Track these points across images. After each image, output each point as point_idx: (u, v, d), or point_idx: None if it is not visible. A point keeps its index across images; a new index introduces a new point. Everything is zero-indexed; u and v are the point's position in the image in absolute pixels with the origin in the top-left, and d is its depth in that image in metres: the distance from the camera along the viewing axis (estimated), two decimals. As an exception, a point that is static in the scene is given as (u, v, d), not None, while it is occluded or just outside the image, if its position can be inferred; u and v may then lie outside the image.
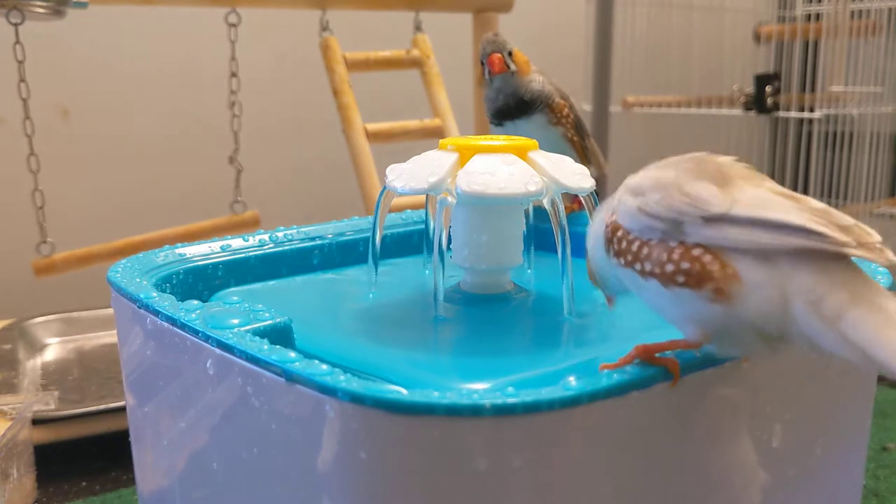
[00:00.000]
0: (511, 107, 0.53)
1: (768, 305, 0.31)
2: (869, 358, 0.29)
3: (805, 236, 0.30)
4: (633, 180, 0.35)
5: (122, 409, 0.64)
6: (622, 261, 0.35)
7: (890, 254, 0.30)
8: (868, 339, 0.29)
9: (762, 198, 0.31)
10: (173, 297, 0.41)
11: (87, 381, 0.76)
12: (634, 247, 0.34)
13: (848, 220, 0.31)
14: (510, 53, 0.56)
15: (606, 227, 0.36)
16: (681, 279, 0.32)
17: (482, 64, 0.56)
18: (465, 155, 0.46)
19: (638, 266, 0.34)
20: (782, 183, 1.21)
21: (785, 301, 0.30)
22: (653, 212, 0.33)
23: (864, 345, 0.29)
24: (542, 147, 0.48)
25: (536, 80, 0.57)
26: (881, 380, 0.71)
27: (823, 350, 0.30)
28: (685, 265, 0.32)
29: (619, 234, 0.35)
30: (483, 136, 0.49)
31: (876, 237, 0.30)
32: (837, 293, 0.30)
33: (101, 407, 0.67)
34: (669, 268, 0.32)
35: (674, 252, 0.32)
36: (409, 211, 0.62)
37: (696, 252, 0.32)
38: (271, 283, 0.53)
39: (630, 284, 0.35)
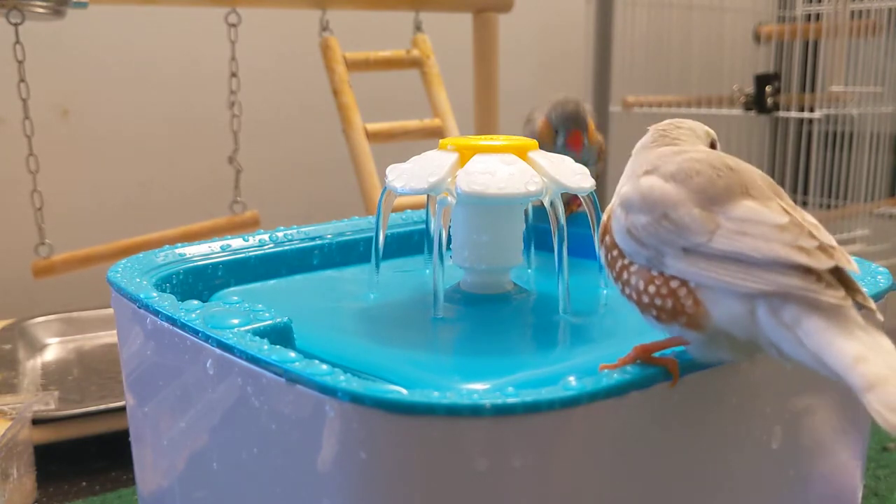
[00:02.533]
0: None
1: (738, 325, 0.31)
2: (822, 364, 0.29)
3: (780, 274, 0.29)
4: (628, 190, 0.34)
5: (122, 409, 0.64)
6: (611, 273, 0.35)
7: (872, 303, 0.30)
8: (821, 345, 0.29)
9: (748, 218, 0.31)
10: (173, 297, 0.41)
11: (87, 381, 0.76)
12: (618, 266, 0.34)
13: (831, 239, 0.31)
14: (585, 129, 0.55)
15: (602, 223, 0.36)
16: (654, 313, 0.33)
17: (555, 131, 0.55)
18: (465, 155, 0.46)
19: (619, 285, 0.34)
20: (782, 183, 1.21)
21: (752, 314, 0.30)
22: (639, 238, 0.33)
23: (817, 351, 0.29)
24: None
25: (598, 143, 0.56)
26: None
27: (788, 357, 0.30)
28: (658, 301, 0.32)
29: (607, 240, 0.35)
30: (483, 136, 0.49)
31: (853, 266, 0.30)
32: (798, 301, 0.29)
33: (101, 407, 0.67)
34: (645, 299, 0.33)
35: (653, 282, 0.32)
36: (409, 211, 0.62)
37: (674, 284, 0.32)
38: (271, 283, 0.53)
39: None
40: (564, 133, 0.55)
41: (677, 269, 0.32)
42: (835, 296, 0.29)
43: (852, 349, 0.28)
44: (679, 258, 0.32)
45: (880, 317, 0.30)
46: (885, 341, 0.29)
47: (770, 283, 0.29)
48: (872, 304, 0.30)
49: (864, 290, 0.30)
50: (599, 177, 0.59)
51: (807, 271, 0.29)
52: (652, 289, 0.32)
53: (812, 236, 0.30)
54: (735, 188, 0.32)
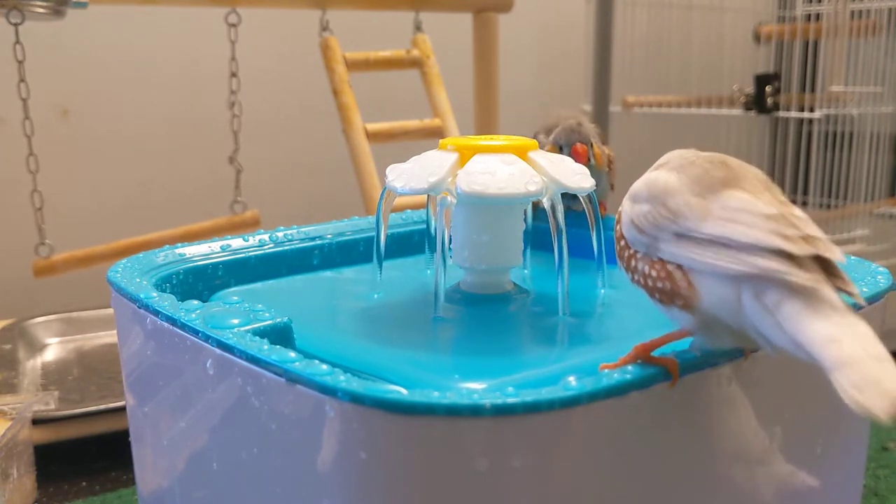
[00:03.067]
0: None
1: (726, 309, 0.32)
2: (799, 346, 0.29)
3: (761, 257, 0.30)
4: (637, 184, 0.36)
5: (122, 409, 0.64)
6: (622, 263, 0.37)
7: (854, 287, 0.31)
8: (797, 327, 0.29)
9: (738, 207, 0.32)
10: (173, 297, 0.41)
11: (87, 381, 0.76)
12: (626, 255, 0.36)
13: (816, 231, 0.32)
14: (591, 146, 0.57)
15: (616, 216, 0.38)
16: (657, 296, 0.34)
17: (559, 148, 0.56)
18: (465, 155, 0.46)
19: (630, 275, 0.36)
20: (782, 184, 1.21)
21: (738, 299, 0.31)
22: (639, 225, 0.35)
23: (794, 333, 0.29)
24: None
25: (606, 168, 0.58)
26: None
27: (772, 343, 0.31)
28: (660, 284, 0.34)
29: (617, 231, 0.37)
30: (483, 136, 0.49)
31: (837, 255, 0.31)
32: (779, 285, 0.30)
33: (101, 407, 0.67)
34: (650, 283, 0.34)
35: (654, 266, 0.34)
36: (409, 211, 0.62)
37: (671, 267, 0.33)
38: (271, 283, 0.53)
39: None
40: (569, 148, 0.56)
41: (670, 253, 0.33)
42: (808, 278, 0.30)
43: (826, 330, 0.29)
44: (672, 243, 0.33)
45: (862, 301, 0.31)
46: (861, 325, 0.29)
47: (751, 265, 0.31)
48: (855, 289, 0.31)
49: (847, 277, 0.31)
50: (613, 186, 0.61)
51: (787, 257, 0.30)
52: (654, 272, 0.34)
53: (796, 227, 0.31)
54: (730, 181, 0.34)
